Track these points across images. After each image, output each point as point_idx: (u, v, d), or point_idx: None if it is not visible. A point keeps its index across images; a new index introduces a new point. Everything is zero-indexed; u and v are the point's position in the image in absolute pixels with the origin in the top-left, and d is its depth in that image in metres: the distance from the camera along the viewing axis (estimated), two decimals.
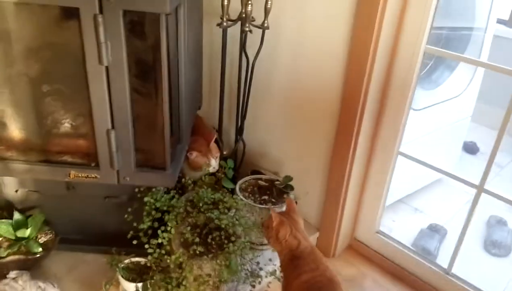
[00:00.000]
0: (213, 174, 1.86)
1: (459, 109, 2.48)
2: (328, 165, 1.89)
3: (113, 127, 1.37)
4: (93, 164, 1.46)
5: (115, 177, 1.47)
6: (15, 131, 1.43)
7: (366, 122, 1.76)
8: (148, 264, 1.57)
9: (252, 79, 1.86)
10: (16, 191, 1.68)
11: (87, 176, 1.46)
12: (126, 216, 1.59)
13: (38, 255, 1.61)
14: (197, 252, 1.41)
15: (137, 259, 1.60)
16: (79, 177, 1.46)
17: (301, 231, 1.46)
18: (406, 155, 1.80)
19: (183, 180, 1.66)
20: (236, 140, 2.02)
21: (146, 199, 1.54)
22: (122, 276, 1.52)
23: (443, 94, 2.34)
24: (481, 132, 3.24)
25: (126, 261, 1.57)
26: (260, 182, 1.88)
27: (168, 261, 1.41)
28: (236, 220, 1.49)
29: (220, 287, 1.41)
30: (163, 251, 1.44)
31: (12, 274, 1.52)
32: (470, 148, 3.16)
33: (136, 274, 1.55)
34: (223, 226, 1.45)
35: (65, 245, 1.76)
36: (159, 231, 1.46)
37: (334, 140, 1.84)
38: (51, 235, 1.70)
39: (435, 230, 2.28)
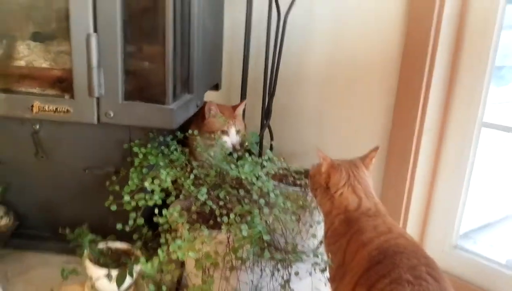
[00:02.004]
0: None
1: None
2: (385, 154, 1.43)
3: (95, 30, 1.00)
4: (66, 96, 1.06)
5: (95, 111, 1.05)
6: None
7: (436, 89, 1.34)
8: (132, 251, 1.08)
9: (283, 39, 1.49)
10: None
11: (56, 109, 1.05)
12: (108, 183, 1.14)
13: None
14: (206, 211, 0.92)
15: (116, 244, 1.11)
16: (46, 111, 1.05)
17: (364, 183, 0.98)
18: (492, 125, 1.33)
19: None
20: (262, 126, 1.59)
21: (135, 149, 1.10)
22: (90, 260, 1.02)
23: None
24: None
25: (101, 244, 1.08)
26: (293, 169, 1.40)
27: (155, 219, 0.92)
28: (265, 177, 1.01)
29: (235, 265, 0.89)
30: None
31: None
32: None
33: (111, 261, 1.04)
34: (243, 177, 0.97)
35: (27, 240, 1.30)
36: (146, 183, 0.99)
37: (392, 126, 1.41)
38: (7, 220, 1.24)
39: None
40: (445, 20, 1.29)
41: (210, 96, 1.51)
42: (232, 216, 0.87)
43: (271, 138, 1.62)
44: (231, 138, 1.34)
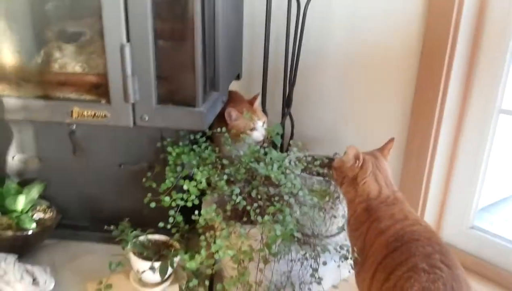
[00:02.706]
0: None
1: None
2: (405, 139, 1.48)
3: (128, 40, 1.05)
4: (103, 101, 1.13)
5: (130, 115, 1.12)
6: (7, 55, 1.13)
7: (456, 76, 1.37)
8: (170, 242, 1.17)
9: (303, 29, 1.52)
10: (13, 158, 1.36)
11: (95, 114, 1.12)
12: (144, 180, 1.22)
13: (30, 232, 1.24)
14: (239, 208, 1.00)
15: (155, 236, 1.20)
16: (84, 116, 1.12)
17: (384, 172, 1.05)
18: (510, 111, 1.37)
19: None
20: (283, 115, 1.65)
21: (169, 149, 1.17)
22: (134, 253, 1.11)
23: None
24: None
25: (141, 237, 1.17)
26: (317, 158, 1.46)
27: (194, 217, 1.00)
28: (292, 173, 1.08)
29: (268, 259, 0.97)
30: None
31: None
32: None
33: (152, 253, 1.14)
34: (272, 176, 1.04)
35: (69, 231, 1.40)
36: (185, 184, 1.06)
37: (411, 112, 1.45)
38: (50, 213, 1.34)
39: None
40: (466, 6, 1.30)
41: (231, 85, 1.55)
42: (266, 217, 0.95)
43: (292, 126, 1.67)
44: (260, 131, 1.39)
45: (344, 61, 1.58)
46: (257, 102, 1.47)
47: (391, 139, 1.18)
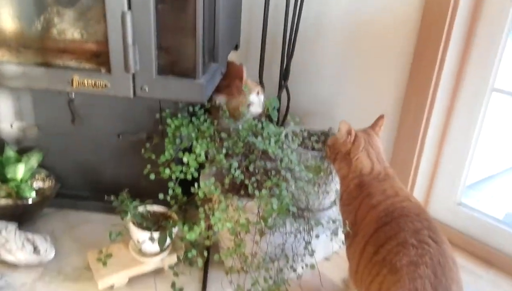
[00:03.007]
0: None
1: None
2: (398, 119, 1.50)
3: (129, 7, 1.04)
4: (103, 70, 1.12)
5: (130, 86, 1.11)
6: (7, 20, 1.12)
7: (452, 52, 1.38)
8: (168, 214, 1.20)
9: (303, 1, 1.51)
10: (11, 125, 1.36)
11: (95, 83, 1.12)
12: (143, 151, 1.23)
13: (29, 202, 1.25)
14: (237, 182, 1.02)
15: (154, 207, 1.22)
16: (85, 85, 1.12)
17: (376, 148, 1.08)
18: (503, 91, 1.39)
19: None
20: (280, 87, 1.65)
21: (168, 121, 1.18)
22: (133, 223, 1.14)
23: None
24: None
25: (140, 208, 1.20)
26: (312, 132, 1.48)
27: (193, 190, 1.02)
28: (288, 148, 1.10)
29: (264, 231, 1.00)
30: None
31: None
32: None
33: (151, 224, 1.16)
34: (269, 151, 1.06)
35: (68, 200, 1.42)
36: (184, 157, 1.08)
37: (406, 88, 1.46)
38: (49, 182, 1.35)
39: None
40: None
41: (229, 56, 1.55)
42: (264, 191, 0.97)
43: (288, 99, 1.68)
44: (256, 103, 1.39)
45: (342, 34, 1.58)
46: (245, 75, 1.43)
47: (381, 117, 1.20)
